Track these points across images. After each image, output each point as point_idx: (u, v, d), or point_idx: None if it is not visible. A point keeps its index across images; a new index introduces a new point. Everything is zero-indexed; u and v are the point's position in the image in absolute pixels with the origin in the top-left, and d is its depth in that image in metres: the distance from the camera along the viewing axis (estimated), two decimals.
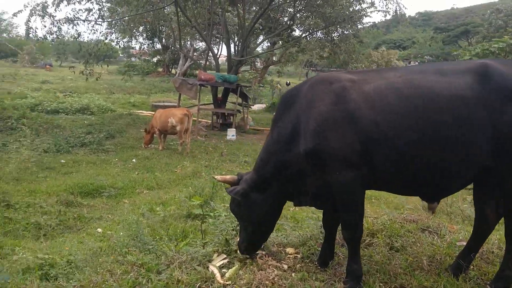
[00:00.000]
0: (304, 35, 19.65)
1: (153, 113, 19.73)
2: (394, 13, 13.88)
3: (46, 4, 13.06)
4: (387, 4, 13.77)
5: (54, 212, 5.86)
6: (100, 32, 18.26)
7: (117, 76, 43.89)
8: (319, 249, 3.20)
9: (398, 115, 2.60)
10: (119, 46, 32.41)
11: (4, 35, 64.79)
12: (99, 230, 5.61)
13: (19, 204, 5.87)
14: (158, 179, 8.59)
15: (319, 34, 19.66)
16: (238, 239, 3.22)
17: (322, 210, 3.19)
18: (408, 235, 3.34)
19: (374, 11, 14.08)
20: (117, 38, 22.52)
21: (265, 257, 3.09)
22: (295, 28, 21.31)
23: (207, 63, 20.54)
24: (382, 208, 5.48)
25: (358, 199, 2.76)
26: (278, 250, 3.25)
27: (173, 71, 53.72)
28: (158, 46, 53.48)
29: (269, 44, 26.74)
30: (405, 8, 14.15)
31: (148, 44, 52.89)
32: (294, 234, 3.63)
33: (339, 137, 2.65)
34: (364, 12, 14.08)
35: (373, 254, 3.05)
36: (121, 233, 5.50)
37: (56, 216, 5.66)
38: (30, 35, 13.30)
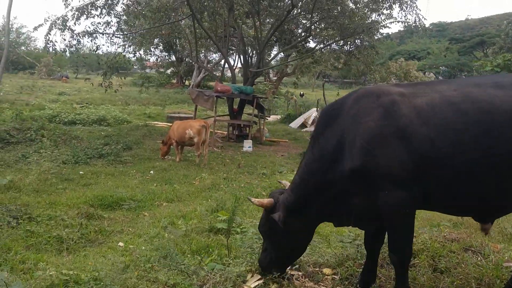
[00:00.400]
0: (318, 46, 19.65)
1: (169, 124, 19.84)
2: (414, 24, 13.73)
3: (66, 18, 13.21)
4: (406, 15, 13.67)
5: (76, 225, 5.79)
6: (118, 45, 18.50)
7: (132, 88, 44.41)
8: (358, 270, 3.05)
9: (455, 131, 2.44)
10: (136, 58, 32.59)
11: (23, 48, 65.99)
12: (121, 244, 5.52)
13: (40, 217, 5.82)
14: (177, 191, 8.51)
15: (333, 45, 19.66)
16: (261, 257, 3.09)
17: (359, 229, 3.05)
18: (451, 256, 3.18)
19: (393, 22, 13.98)
20: (134, 51, 22.80)
21: (302, 278, 2.96)
22: (309, 40, 21.35)
23: (221, 74, 20.53)
24: (416, 225, 5.28)
25: (408, 220, 2.59)
26: (315, 271, 3.12)
27: (187, 82, 54.28)
28: (173, 58, 54.18)
29: (283, 56, 26.78)
30: (425, 19, 14.01)
31: (164, 56, 53.51)
32: (329, 253, 3.48)
33: (389, 154, 2.49)
34: (383, 23, 13.99)
35: (417, 276, 2.90)
36: (143, 247, 5.42)
37: (78, 229, 5.59)
38: (50, 48, 13.44)
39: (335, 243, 4.15)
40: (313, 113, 21.19)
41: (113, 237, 5.80)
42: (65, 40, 13.72)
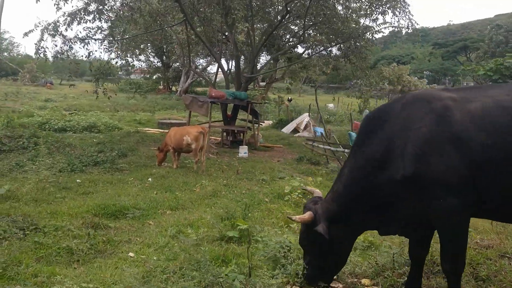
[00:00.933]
0: (307, 52, 19.76)
1: (161, 130, 19.68)
2: (407, 29, 13.89)
3: (58, 23, 12.98)
4: (399, 20, 13.79)
5: (83, 235, 5.64)
6: (110, 50, 18.28)
7: (119, 94, 43.94)
8: (399, 280, 3.00)
9: (510, 136, 2.39)
10: (127, 64, 32.26)
11: (5, 54, 64.93)
12: (131, 254, 5.40)
13: (47, 228, 5.65)
14: (180, 199, 8.38)
15: (323, 50, 19.76)
16: (306, 272, 3.03)
17: (394, 235, 3.01)
18: (488, 263, 3.15)
19: (388, 27, 14.10)
20: (124, 57, 22.48)
21: None
22: (298, 46, 21.43)
23: (214, 80, 20.42)
24: None
25: (462, 228, 2.54)
26: (354, 282, 3.06)
27: (173, 88, 54.01)
28: (158, 64, 53.88)
29: (271, 61, 26.84)
30: (417, 24, 14.15)
31: (150, 62, 53.07)
32: (361, 262, 3.42)
33: (443, 161, 2.43)
34: (378, 28, 14.09)
35: (462, 285, 2.85)
36: (155, 257, 5.32)
37: (86, 240, 5.44)
38: (41, 54, 13.19)
39: (367, 252, 4.09)
40: (305, 118, 21.25)
41: (122, 247, 5.67)
42: (56, 46, 13.48)
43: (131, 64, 28.14)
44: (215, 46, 18.02)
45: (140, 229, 6.57)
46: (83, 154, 12.41)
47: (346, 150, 12.32)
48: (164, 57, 50.80)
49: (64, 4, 12.12)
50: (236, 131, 16.65)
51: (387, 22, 13.61)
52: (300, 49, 23.16)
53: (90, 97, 40.10)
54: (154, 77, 58.01)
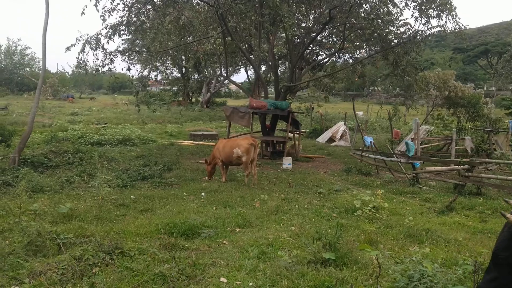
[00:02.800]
0: (333, 59, 19.39)
1: (195, 142, 19.40)
2: (457, 31, 13.41)
3: (99, 36, 12.83)
4: (446, 23, 13.33)
5: (169, 259, 5.25)
6: (143, 63, 18.15)
7: (134, 106, 43.99)
8: None
9: None
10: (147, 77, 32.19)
11: (27, 69, 65.89)
12: (223, 279, 4.99)
13: (132, 251, 5.28)
14: (244, 216, 7.96)
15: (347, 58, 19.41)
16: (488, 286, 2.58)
17: None
18: None
19: (442, 31, 13.61)
20: (145, 69, 22.28)
21: None
22: (321, 53, 21.05)
23: (253, 90, 20.07)
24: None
25: None
26: None
27: (192, 99, 54.04)
28: (176, 74, 54.00)
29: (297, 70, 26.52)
30: (464, 26, 13.67)
31: (169, 74, 53.16)
32: None
33: None
34: (429, 32, 13.61)
35: None
36: (250, 283, 4.92)
37: (175, 265, 5.06)
38: (82, 68, 13.03)
39: None
40: (341, 127, 20.78)
41: (209, 271, 5.26)
42: (97, 59, 13.32)
43: (151, 76, 28.06)
44: (243, 56, 17.72)
45: (217, 249, 6.16)
46: (129, 168, 12.17)
47: (402, 160, 11.82)
48: (183, 69, 50.98)
49: (109, 16, 11.98)
50: (275, 142, 16.25)
51: (439, 26, 13.15)
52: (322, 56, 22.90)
53: (114, 109, 40.62)
54: (174, 88, 58.20)
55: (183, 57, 44.46)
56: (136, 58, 22.66)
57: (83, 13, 11.51)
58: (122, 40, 13.77)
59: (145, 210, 8.38)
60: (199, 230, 6.87)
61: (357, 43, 17.41)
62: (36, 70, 68.24)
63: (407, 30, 13.79)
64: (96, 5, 11.38)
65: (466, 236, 6.97)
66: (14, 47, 63.05)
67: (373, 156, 13.41)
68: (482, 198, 9.99)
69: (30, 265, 4.77)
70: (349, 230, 7.19)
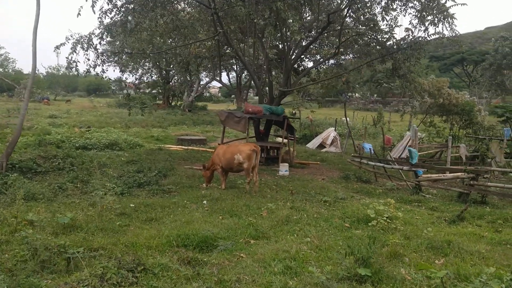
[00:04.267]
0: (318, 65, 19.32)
1: (184, 147, 18.92)
2: (452, 36, 13.43)
3: (91, 37, 12.28)
4: (442, 30, 13.33)
5: (194, 276, 4.87)
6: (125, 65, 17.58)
7: (116, 109, 43.12)
8: None
9: None
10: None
11: (0, 69, 63.75)
12: None
13: (155, 268, 4.86)
14: (256, 226, 7.61)
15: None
16: None
17: None
18: None
19: (440, 37, 13.59)
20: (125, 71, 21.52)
21: None
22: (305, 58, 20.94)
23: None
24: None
25: None
26: None
27: (173, 103, 53.25)
28: (157, 78, 53.10)
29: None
30: (458, 33, 13.71)
31: (148, 76, 52.21)
32: None
33: None
34: (429, 39, 13.58)
35: None
36: None
37: (203, 283, 4.68)
38: (73, 69, 12.43)
39: None
40: (331, 133, 20.65)
41: None
42: (88, 60, 12.73)
43: (144, 79, 27.33)
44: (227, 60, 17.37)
45: (238, 264, 5.79)
46: (123, 174, 11.67)
47: (404, 167, 11.69)
48: (164, 72, 50.19)
49: (105, 17, 11.47)
50: (269, 147, 15.95)
51: (438, 33, 13.13)
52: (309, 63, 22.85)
53: (93, 112, 39.54)
54: (154, 91, 57.23)
55: (164, 59, 43.85)
56: (115, 60, 22.02)
57: (79, 14, 10.96)
58: (104, 42, 13.06)
59: (148, 220, 7.94)
60: (213, 242, 6.49)
61: (349, 49, 17.30)
62: (10, 70, 66.20)
63: (407, 36, 13.75)
64: (93, 6, 10.87)
65: (487, 248, 6.81)
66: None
67: (373, 163, 13.26)
68: (488, 207, 9.92)
69: (46, 285, 4.31)
70: (365, 241, 6.94)
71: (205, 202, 9.53)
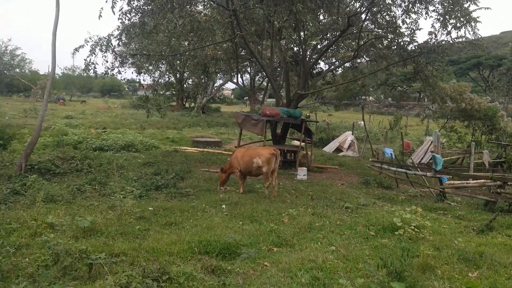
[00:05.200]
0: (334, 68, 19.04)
1: (200, 149, 18.79)
2: (475, 40, 13.12)
3: (110, 38, 12.23)
4: (465, 33, 13.02)
5: (219, 286, 4.70)
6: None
7: (131, 110, 43.19)
8: None
9: None
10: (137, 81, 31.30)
11: (17, 70, 64.47)
12: None
13: (180, 277, 4.69)
14: (278, 233, 7.43)
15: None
16: None
17: None
18: None
19: (463, 41, 13.29)
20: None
21: None
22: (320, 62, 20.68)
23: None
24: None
25: None
26: None
27: (186, 104, 53.26)
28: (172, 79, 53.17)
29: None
30: (481, 36, 13.38)
31: (163, 78, 52.30)
32: None
33: None
34: (451, 42, 13.28)
35: None
36: None
37: None
38: (91, 70, 12.39)
39: None
40: (348, 137, 20.35)
41: None
42: (106, 62, 12.69)
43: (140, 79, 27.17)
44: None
45: (263, 273, 5.59)
46: (140, 176, 11.56)
47: (428, 174, 11.37)
48: (178, 74, 50.25)
49: (125, 18, 11.41)
50: (286, 151, 15.74)
51: (461, 36, 12.83)
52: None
53: (108, 113, 39.67)
54: (167, 93, 57.35)
55: (179, 61, 43.87)
56: (131, 62, 21.99)
57: (100, 16, 10.91)
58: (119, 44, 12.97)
59: (168, 224, 7.79)
60: (236, 249, 6.31)
61: (366, 52, 17.02)
62: (27, 71, 66.91)
63: (430, 39, 13.44)
64: (113, 7, 10.81)
65: None
66: (4, 48, 61.66)
67: (394, 168, 12.96)
68: None
69: None
70: (397, 252, 6.69)
71: (224, 206, 9.36)
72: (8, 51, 62.74)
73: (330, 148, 20.44)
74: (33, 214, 7.16)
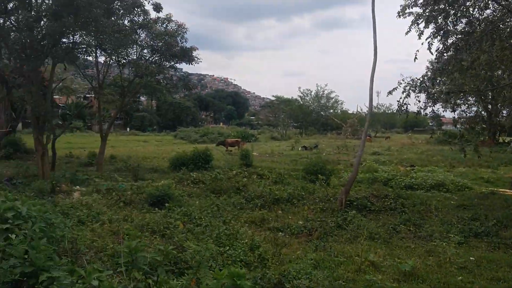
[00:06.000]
0: None
1: None
2: None
3: (424, 79, 12.29)
4: None
5: None
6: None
7: (436, 146, 41.43)
8: None
9: None
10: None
11: (331, 110, 72.77)
12: None
13: None
14: None
15: None
16: None
17: None
18: None
19: None
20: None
21: None
22: None
23: None
24: None
25: None
26: None
27: (500, 139, 47.28)
28: (482, 112, 48.50)
29: None
30: None
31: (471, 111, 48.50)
32: None
33: None
34: None
35: None
36: None
37: None
38: (403, 111, 12.72)
39: None
40: None
41: None
42: (419, 101, 12.77)
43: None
44: None
45: None
46: (456, 220, 10.90)
47: None
48: (490, 106, 45.51)
49: (441, 57, 11.36)
50: None
51: None
52: None
53: (413, 149, 39.53)
54: (477, 127, 52.67)
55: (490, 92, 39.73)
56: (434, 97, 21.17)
57: (416, 58, 11.26)
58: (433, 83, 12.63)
59: (495, 280, 7.00)
60: None
61: None
62: (339, 111, 74.43)
63: None
64: (429, 48, 10.94)
65: None
66: (321, 92, 70.91)
67: None
68: None
69: None
70: None
71: None
72: (324, 95, 71.84)
73: None
74: (357, 250, 7.74)
